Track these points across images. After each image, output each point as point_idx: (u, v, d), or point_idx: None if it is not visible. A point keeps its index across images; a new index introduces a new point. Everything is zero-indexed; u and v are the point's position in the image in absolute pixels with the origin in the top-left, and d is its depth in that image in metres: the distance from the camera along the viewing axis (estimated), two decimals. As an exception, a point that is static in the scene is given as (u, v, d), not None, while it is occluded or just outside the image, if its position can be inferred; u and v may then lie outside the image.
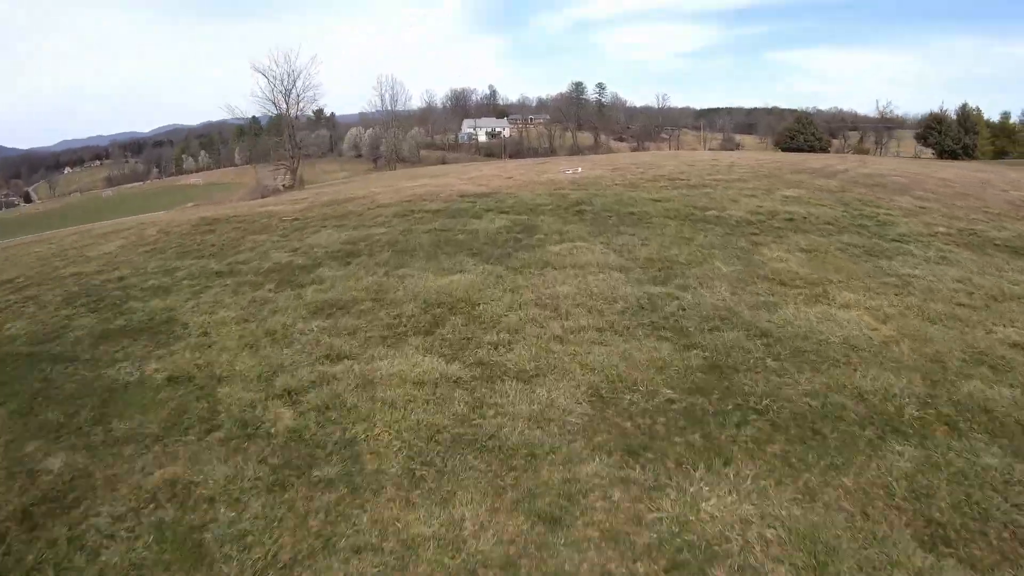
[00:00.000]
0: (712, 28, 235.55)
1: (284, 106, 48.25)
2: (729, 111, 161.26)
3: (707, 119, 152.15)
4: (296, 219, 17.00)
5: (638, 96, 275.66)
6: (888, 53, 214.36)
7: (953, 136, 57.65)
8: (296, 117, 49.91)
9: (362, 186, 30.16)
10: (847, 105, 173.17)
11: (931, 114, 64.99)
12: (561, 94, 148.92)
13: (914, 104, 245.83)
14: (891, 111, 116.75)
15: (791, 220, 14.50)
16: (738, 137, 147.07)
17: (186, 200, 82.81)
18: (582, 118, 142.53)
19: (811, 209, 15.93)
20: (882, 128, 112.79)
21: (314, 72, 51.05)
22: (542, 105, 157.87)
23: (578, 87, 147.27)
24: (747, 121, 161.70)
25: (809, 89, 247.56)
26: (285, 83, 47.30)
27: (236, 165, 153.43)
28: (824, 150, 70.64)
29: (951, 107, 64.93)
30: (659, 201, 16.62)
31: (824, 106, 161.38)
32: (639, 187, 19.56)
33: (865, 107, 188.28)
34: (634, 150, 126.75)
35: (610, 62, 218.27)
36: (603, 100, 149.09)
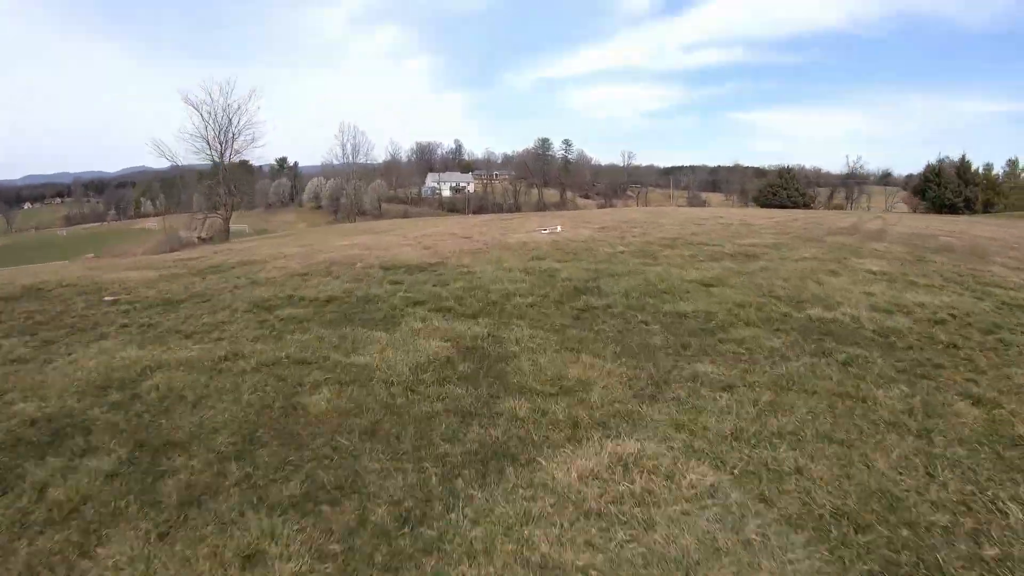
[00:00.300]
0: (675, 89, 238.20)
1: (218, 147, 40.53)
2: (693, 169, 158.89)
3: (672, 176, 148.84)
4: (118, 299, 9.52)
5: (604, 153, 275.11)
6: (843, 112, 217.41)
7: (953, 189, 53.53)
8: (230, 160, 41.97)
9: (286, 244, 22.86)
10: (806, 162, 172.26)
11: (928, 166, 60.49)
12: (527, 150, 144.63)
13: (872, 160, 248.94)
14: (860, 167, 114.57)
15: (966, 325, 7.57)
16: (704, 194, 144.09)
17: (115, 242, 74.19)
18: (548, 175, 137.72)
19: (944, 298, 9.21)
20: (852, 184, 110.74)
21: (253, 108, 40.73)
22: (508, 161, 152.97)
23: (544, 143, 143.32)
24: (711, 179, 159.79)
25: (768, 148, 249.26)
26: (219, 120, 39.65)
27: (193, 211, 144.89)
28: (807, 206, 65.94)
29: (950, 157, 60.58)
30: (711, 286, 9.71)
31: (787, 163, 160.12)
32: (659, 257, 12.81)
33: (824, 164, 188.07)
34: (601, 207, 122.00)
35: (576, 120, 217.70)
36: (569, 157, 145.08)
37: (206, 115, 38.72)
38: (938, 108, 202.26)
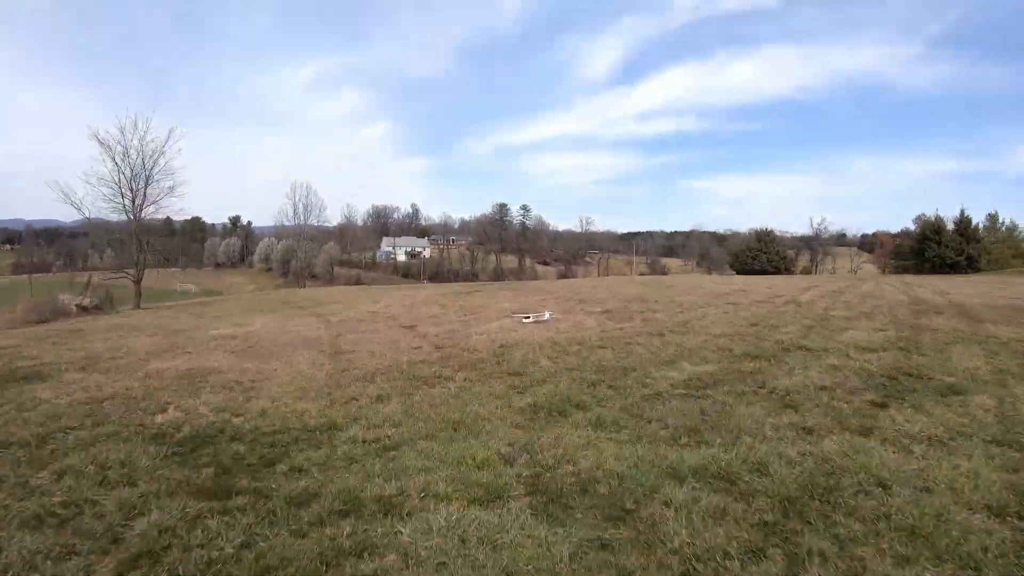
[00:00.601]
0: (631, 156, 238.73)
1: (130, 195, 32.59)
2: (651, 234, 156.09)
3: (630, 242, 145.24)
4: None
5: (562, 219, 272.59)
6: (795, 176, 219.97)
7: (955, 247, 48.84)
8: (142, 210, 33.90)
9: (158, 326, 15.66)
10: (762, 225, 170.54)
11: (925, 223, 55.76)
12: (485, 215, 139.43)
13: (799, 222, 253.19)
14: (825, 228, 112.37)
15: None
16: (663, 260, 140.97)
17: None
18: (506, 241, 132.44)
19: None
20: (817, 246, 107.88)
21: (173, 151, 31.94)
22: (465, 226, 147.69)
23: (502, 209, 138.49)
24: (668, 244, 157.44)
25: (722, 212, 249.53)
26: (132, 162, 31.76)
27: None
28: (787, 270, 60.75)
29: (949, 214, 55.54)
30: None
31: (741, 228, 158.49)
32: (797, 399, 6.21)
33: (780, 226, 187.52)
34: (562, 275, 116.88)
35: (534, 185, 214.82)
36: (527, 223, 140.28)
37: (119, 158, 30.98)
38: (885, 169, 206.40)
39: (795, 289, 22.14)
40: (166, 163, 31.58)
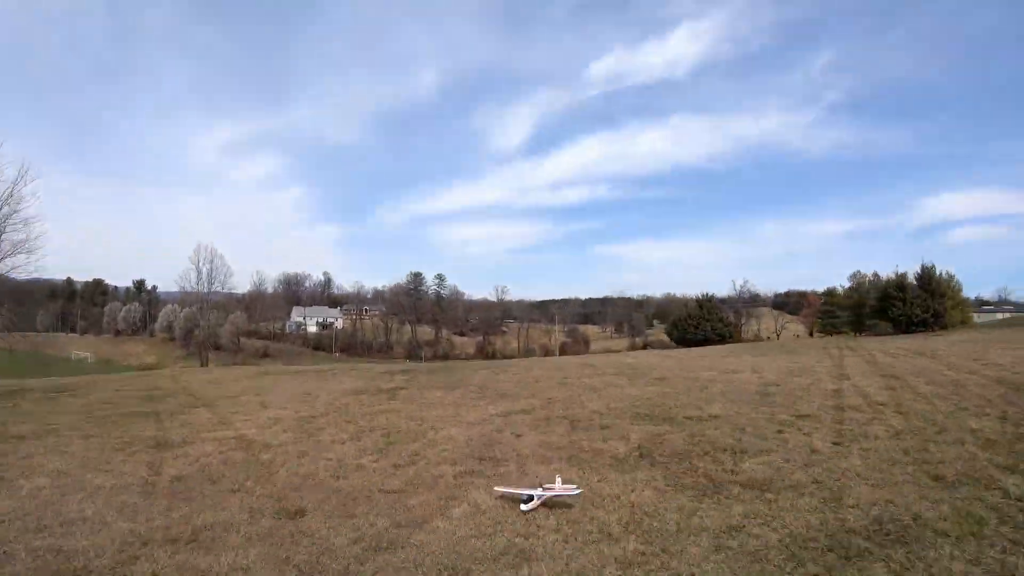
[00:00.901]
0: (544, 225, 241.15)
1: None
2: (566, 302, 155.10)
3: (545, 310, 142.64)
4: None
5: (477, 288, 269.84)
6: (704, 240, 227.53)
7: (921, 304, 45.86)
8: None
9: None
10: (675, 290, 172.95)
11: (888, 280, 52.42)
12: (399, 285, 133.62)
13: (715, 284, 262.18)
14: (748, 290, 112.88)
15: None
16: (581, 327, 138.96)
17: None
18: (421, 311, 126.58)
19: None
20: (741, 308, 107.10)
21: (21, 193, 24.32)
22: (379, 296, 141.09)
23: (416, 278, 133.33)
24: (583, 311, 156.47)
25: (635, 279, 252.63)
26: None
27: (38, 331, 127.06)
28: (731, 337, 56.96)
29: (910, 270, 53.51)
30: None
31: (657, 293, 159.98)
32: None
33: (696, 290, 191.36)
34: (480, 347, 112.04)
35: (449, 254, 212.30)
36: (442, 292, 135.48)
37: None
38: (790, 231, 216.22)
39: (807, 375, 17.31)
40: (13, 212, 24.61)
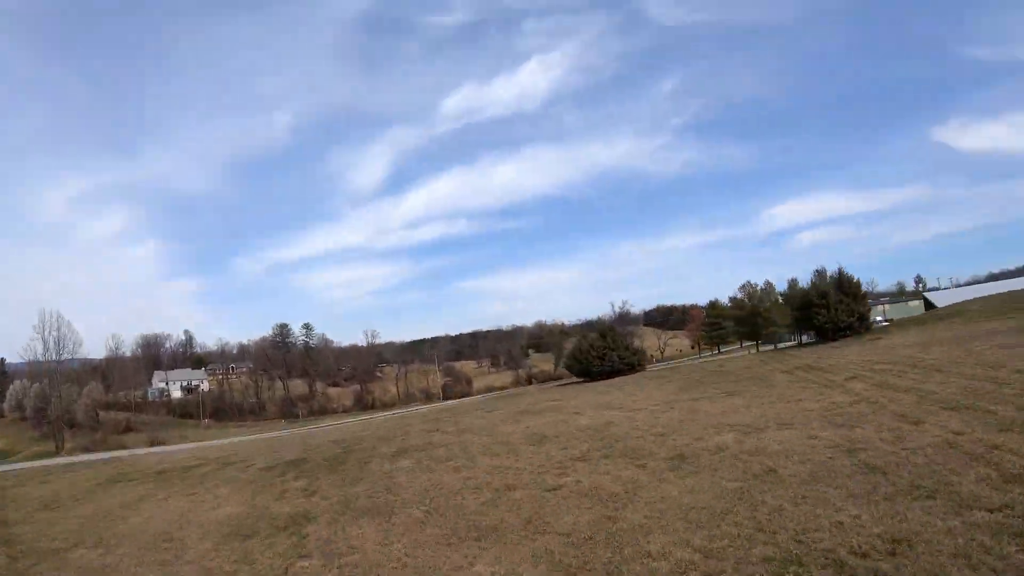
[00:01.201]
0: (406, 264, 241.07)
1: None
2: (436, 340, 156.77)
3: (417, 350, 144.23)
4: None
5: (346, 334, 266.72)
6: (565, 267, 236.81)
7: (846, 308, 43.41)
8: None
9: None
10: (545, 317, 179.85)
11: (807, 291, 48.74)
12: (265, 338, 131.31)
13: (584, 308, 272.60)
14: (627, 310, 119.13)
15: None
16: (457, 365, 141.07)
17: None
18: (291, 364, 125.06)
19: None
20: (620, 328, 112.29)
21: None
22: (245, 351, 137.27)
23: (283, 329, 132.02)
24: (455, 347, 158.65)
25: (501, 309, 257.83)
26: None
27: None
28: (640, 365, 51.76)
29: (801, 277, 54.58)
30: None
31: (527, 322, 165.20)
32: None
33: (569, 315, 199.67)
34: (358, 397, 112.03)
35: (313, 302, 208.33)
36: (311, 342, 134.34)
37: None
38: (649, 248, 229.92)
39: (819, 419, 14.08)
40: None
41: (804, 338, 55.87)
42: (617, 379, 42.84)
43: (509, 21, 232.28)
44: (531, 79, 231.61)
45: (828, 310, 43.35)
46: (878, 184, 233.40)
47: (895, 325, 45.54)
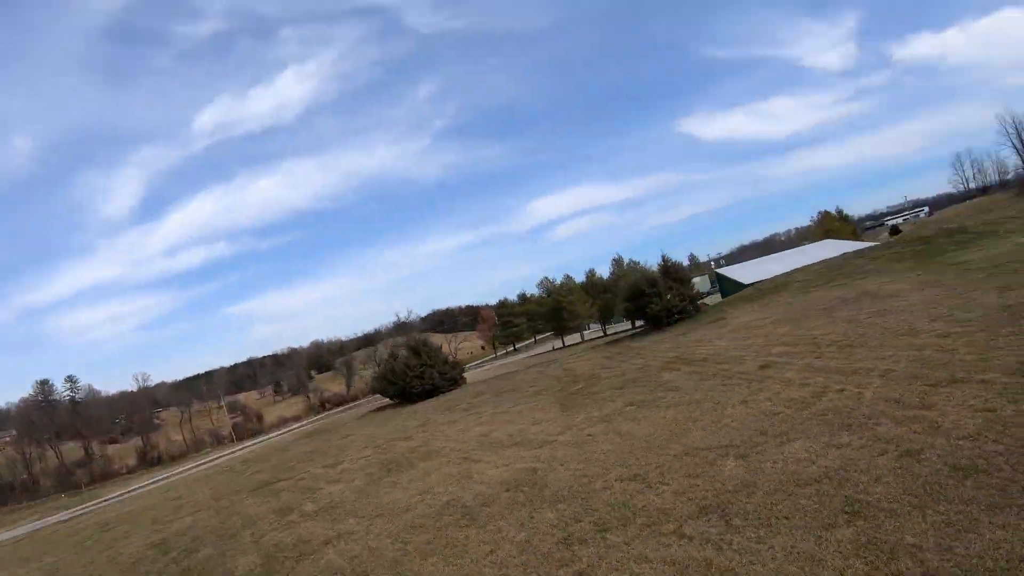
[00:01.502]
0: (167, 295, 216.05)
1: None
2: (211, 374, 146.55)
3: (194, 388, 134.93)
4: None
5: (116, 381, 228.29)
6: (331, 281, 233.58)
7: (677, 293, 41.49)
8: None
9: None
10: (321, 335, 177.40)
11: (637, 282, 46.21)
12: (26, 399, 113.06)
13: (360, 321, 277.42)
14: (413, 319, 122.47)
15: None
16: (240, 398, 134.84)
17: None
18: (60, 425, 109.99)
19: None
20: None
21: None
22: (6, 417, 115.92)
23: (44, 387, 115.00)
24: (232, 379, 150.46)
25: (270, 331, 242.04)
26: None
27: None
28: (463, 380, 47.25)
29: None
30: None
31: (303, 343, 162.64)
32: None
33: (333, 334, 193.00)
34: (143, 455, 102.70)
35: (73, 349, 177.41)
36: (77, 397, 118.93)
37: None
38: (417, 252, 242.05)
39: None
40: None
41: (628, 328, 59.56)
42: (443, 398, 38.23)
43: (264, 30, 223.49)
44: (287, 90, 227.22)
45: (661, 297, 41.97)
46: (632, 173, 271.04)
47: (727, 303, 42.33)
